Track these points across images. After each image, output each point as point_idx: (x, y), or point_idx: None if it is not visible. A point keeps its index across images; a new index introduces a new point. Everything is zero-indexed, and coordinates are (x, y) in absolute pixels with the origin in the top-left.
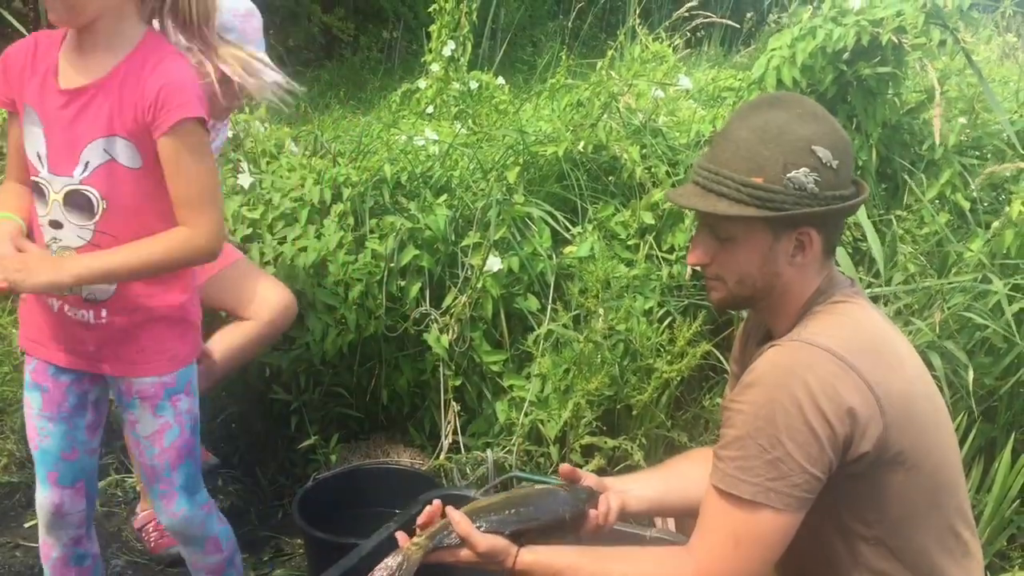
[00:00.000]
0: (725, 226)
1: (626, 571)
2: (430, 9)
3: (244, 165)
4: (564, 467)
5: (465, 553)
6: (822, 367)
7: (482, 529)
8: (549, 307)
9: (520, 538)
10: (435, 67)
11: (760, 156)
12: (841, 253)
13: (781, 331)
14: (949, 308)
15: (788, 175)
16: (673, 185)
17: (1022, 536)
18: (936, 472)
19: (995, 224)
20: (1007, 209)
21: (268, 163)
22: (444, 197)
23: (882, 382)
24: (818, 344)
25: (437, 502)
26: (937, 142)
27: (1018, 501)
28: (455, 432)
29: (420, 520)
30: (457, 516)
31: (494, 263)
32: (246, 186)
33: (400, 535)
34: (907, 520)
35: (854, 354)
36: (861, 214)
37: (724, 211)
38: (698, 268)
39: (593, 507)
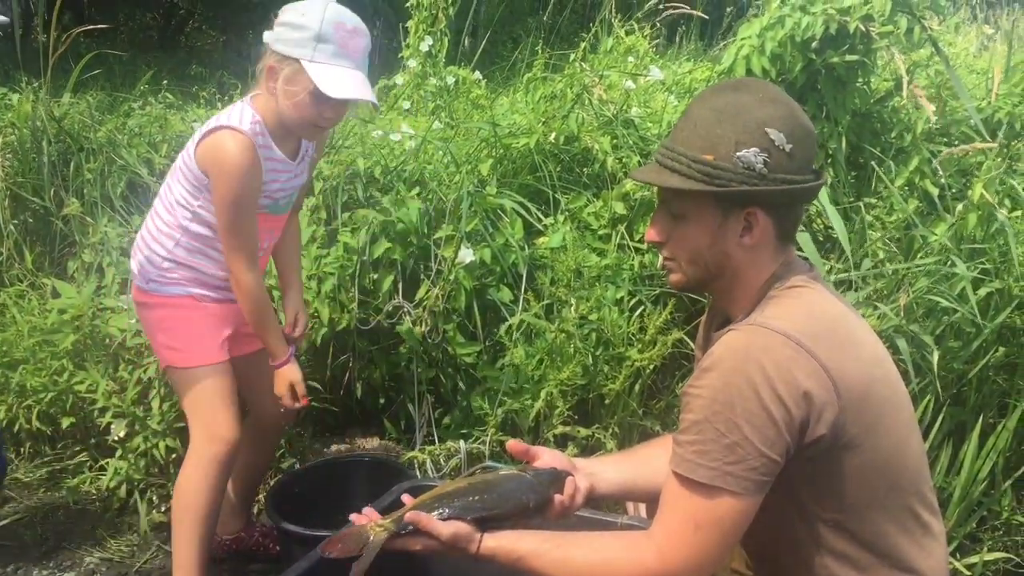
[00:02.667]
0: (677, 203)
1: (588, 556)
2: (408, 4)
3: None
4: (512, 443)
5: (429, 540)
6: (778, 350)
7: (444, 515)
8: (521, 298)
9: (484, 524)
10: (412, 63)
11: (714, 135)
12: (807, 240)
13: (738, 316)
14: (914, 292)
15: (738, 153)
16: None
17: (992, 518)
18: (894, 455)
19: (959, 208)
20: (970, 192)
21: None
22: (417, 190)
23: (838, 366)
24: (774, 328)
25: (368, 509)
26: (930, 113)
27: (986, 483)
28: (429, 424)
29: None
30: (414, 515)
31: (466, 255)
32: None
33: (354, 515)
34: (865, 502)
35: (810, 338)
36: (825, 200)
37: (672, 185)
38: (655, 247)
39: (558, 491)
